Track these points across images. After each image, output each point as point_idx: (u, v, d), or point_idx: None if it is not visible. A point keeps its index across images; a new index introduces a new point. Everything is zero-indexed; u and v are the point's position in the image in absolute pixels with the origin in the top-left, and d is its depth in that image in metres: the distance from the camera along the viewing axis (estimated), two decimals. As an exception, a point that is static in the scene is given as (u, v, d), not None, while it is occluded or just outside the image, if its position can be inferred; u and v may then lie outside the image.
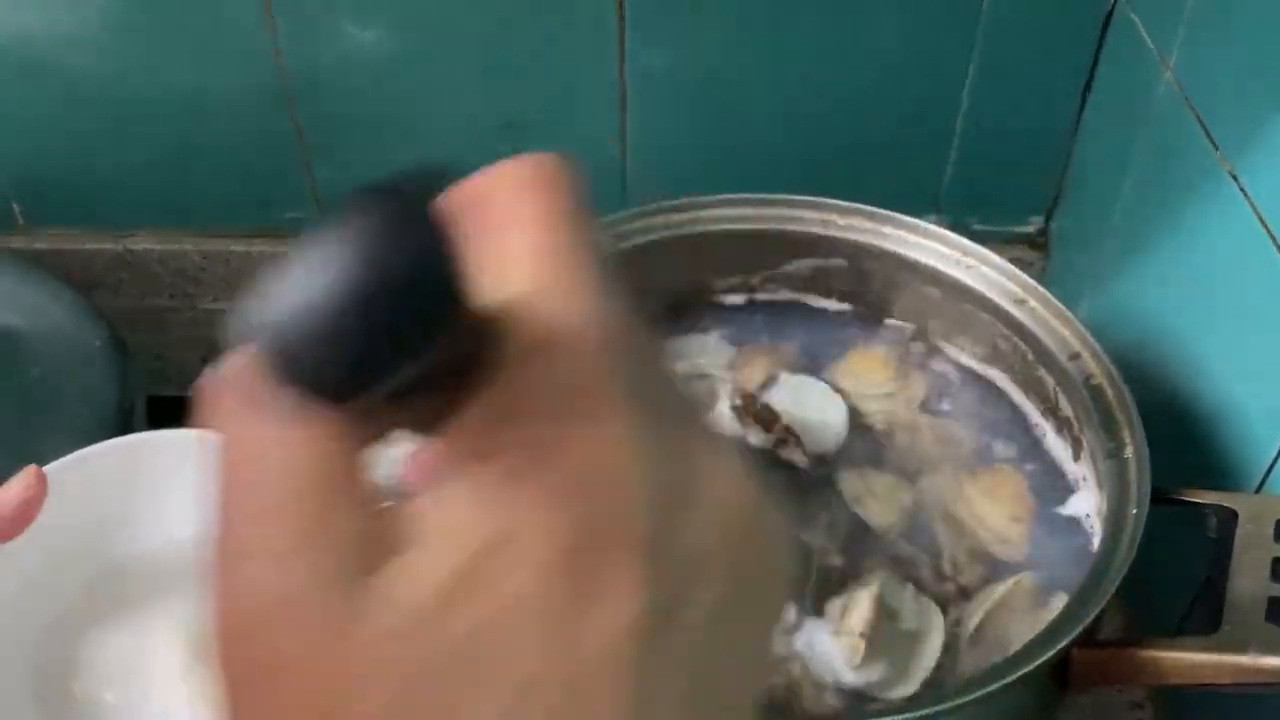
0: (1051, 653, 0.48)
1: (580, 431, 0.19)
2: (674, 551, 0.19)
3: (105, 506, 0.63)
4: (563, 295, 0.20)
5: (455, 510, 0.18)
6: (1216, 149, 0.61)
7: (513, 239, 0.20)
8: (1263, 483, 0.57)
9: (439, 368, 0.18)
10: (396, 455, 0.20)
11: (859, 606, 0.54)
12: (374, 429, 0.19)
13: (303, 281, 0.14)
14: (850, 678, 0.53)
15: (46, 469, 0.60)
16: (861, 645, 0.53)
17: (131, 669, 0.60)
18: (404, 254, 0.15)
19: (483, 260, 0.19)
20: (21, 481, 0.54)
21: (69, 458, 0.61)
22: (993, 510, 0.60)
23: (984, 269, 0.65)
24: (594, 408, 0.19)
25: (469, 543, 0.18)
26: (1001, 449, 0.64)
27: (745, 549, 0.21)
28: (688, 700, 0.20)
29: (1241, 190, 0.58)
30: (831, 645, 0.54)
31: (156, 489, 0.64)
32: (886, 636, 0.54)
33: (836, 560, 0.58)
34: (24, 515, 0.54)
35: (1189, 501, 0.54)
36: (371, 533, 0.19)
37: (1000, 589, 0.56)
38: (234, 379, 0.19)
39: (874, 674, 0.53)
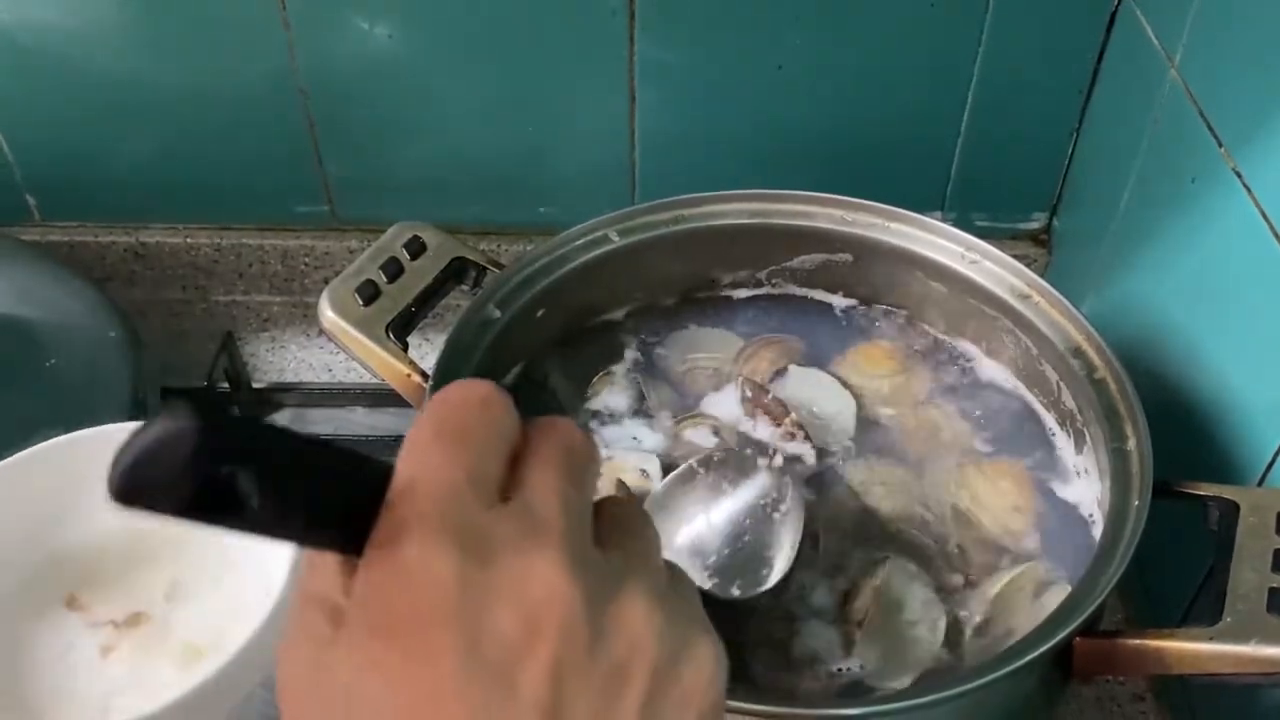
0: (1054, 642, 0.48)
1: (404, 542, 0.27)
2: (479, 623, 0.27)
3: (43, 504, 0.63)
4: (423, 456, 0.29)
5: (354, 605, 0.28)
6: (1220, 146, 0.61)
7: (414, 429, 0.30)
8: (1265, 475, 0.58)
9: (343, 512, 0.28)
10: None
11: (860, 595, 0.55)
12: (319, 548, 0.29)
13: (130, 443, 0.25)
14: (847, 665, 0.54)
15: None
16: (858, 633, 0.53)
17: (64, 661, 0.61)
18: (158, 439, 0.24)
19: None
20: None
21: (10, 459, 0.62)
22: (997, 501, 0.61)
23: (988, 264, 0.65)
24: (415, 525, 0.27)
25: (356, 630, 0.27)
26: (1005, 441, 0.64)
27: (564, 634, 0.27)
28: None
29: (1245, 187, 0.59)
30: (831, 632, 0.55)
31: (88, 487, 0.64)
32: (888, 625, 0.55)
33: (842, 550, 0.59)
34: None
35: (1191, 494, 0.55)
36: (343, 608, 0.28)
37: (1004, 579, 0.56)
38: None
39: (870, 662, 0.54)
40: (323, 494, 0.28)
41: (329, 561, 0.29)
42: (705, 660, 0.30)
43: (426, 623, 0.26)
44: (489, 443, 0.30)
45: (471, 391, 0.31)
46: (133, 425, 0.64)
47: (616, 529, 0.32)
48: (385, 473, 0.29)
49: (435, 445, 0.29)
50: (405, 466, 0.29)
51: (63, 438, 0.63)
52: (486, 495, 0.29)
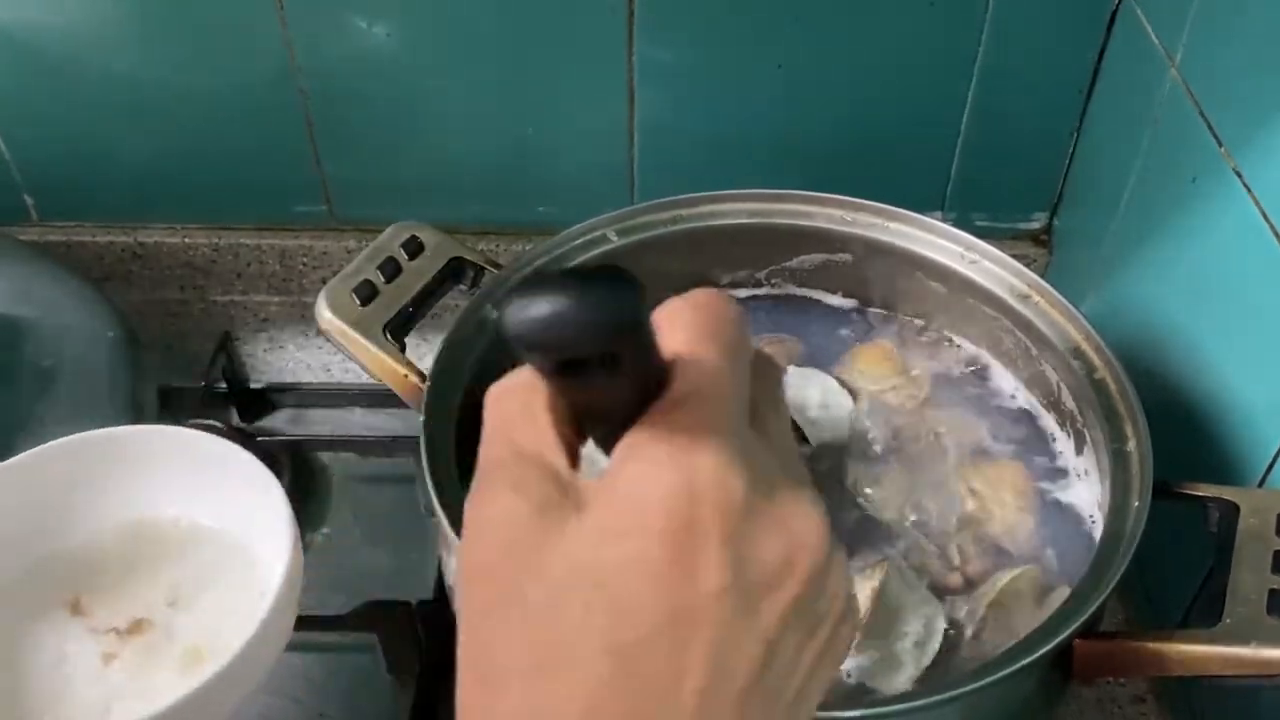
0: (1054, 644, 0.48)
1: (699, 450, 0.26)
2: (749, 549, 0.27)
3: (43, 506, 0.63)
4: (710, 366, 0.28)
5: (615, 491, 0.27)
6: (1221, 145, 0.61)
7: (681, 331, 0.29)
8: (1265, 477, 0.58)
9: (626, 388, 0.27)
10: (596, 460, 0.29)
11: (858, 597, 0.55)
12: (581, 408, 0.28)
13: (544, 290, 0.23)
14: (845, 667, 0.54)
15: None
16: (856, 635, 0.53)
17: (65, 667, 0.60)
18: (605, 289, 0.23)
19: (666, 341, 0.28)
20: None
21: (10, 460, 0.62)
22: (996, 502, 0.61)
23: (988, 264, 0.65)
24: (710, 436, 0.26)
25: (615, 517, 0.26)
26: (1005, 442, 0.64)
27: (811, 578, 0.28)
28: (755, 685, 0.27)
29: (1245, 187, 0.59)
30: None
31: (87, 489, 0.64)
32: (887, 627, 0.55)
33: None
34: None
35: (1191, 495, 0.55)
36: (567, 479, 0.28)
37: (1004, 580, 0.56)
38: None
39: (867, 664, 0.54)
40: (631, 368, 0.27)
41: (547, 424, 0.28)
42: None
43: (708, 537, 0.26)
44: (748, 367, 0.29)
45: (730, 307, 0.30)
46: (132, 426, 0.65)
47: None
48: (665, 361, 0.28)
49: (713, 356, 0.28)
50: (687, 369, 0.28)
51: (63, 439, 0.63)
52: (747, 420, 0.29)
